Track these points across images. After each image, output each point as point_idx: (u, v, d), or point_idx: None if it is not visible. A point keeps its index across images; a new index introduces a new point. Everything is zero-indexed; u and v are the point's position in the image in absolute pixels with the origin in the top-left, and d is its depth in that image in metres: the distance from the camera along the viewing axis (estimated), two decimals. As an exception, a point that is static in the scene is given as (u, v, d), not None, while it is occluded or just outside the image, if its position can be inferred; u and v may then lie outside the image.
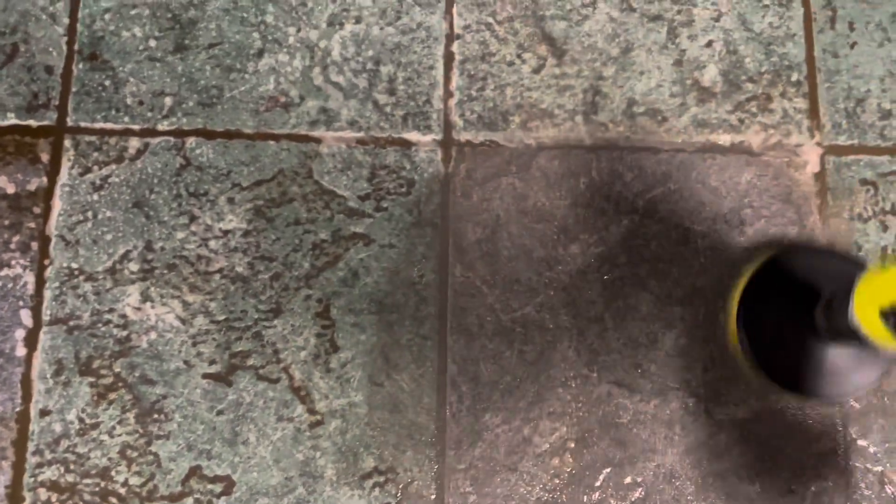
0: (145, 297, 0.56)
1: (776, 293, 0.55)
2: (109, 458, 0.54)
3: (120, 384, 0.55)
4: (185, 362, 0.55)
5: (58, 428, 0.54)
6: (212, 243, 0.57)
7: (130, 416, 0.54)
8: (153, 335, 0.56)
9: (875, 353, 0.53)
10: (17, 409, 0.54)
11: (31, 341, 0.55)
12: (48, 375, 0.55)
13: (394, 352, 0.56)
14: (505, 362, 0.56)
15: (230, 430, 0.55)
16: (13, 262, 0.56)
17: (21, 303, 0.56)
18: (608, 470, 0.55)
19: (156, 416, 0.55)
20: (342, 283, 0.57)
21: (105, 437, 0.54)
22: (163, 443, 0.54)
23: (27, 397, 0.54)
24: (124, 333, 0.55)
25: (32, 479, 0.53)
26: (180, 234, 0.57)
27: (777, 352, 0.54)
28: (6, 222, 0.56)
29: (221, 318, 0.56)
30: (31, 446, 0.54)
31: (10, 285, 0.56)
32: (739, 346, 0.55)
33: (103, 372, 0.55)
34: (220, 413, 0.55)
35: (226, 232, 0.57)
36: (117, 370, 0.55)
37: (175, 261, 0.57)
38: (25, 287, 0.56)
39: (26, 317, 0.55)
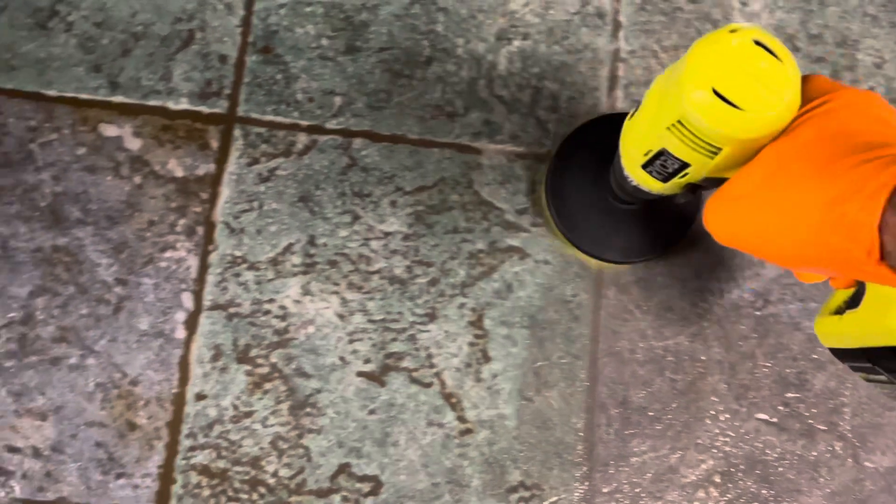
0: (305, 291, 0.57)
1: (580, 160, 0.56)
2: (261, 448, 0.54)
3: (276, 375, 0.55)
4: (341, 358, 0.56)
5: (212, 413, 0.55)
6: (373, 243, 0.58)
7: (284, 408, 0.55)
8: (311, 329, 0.56)
9: (660, 206, 0.55)
10: (174, 391, 0.55)
11: (191, 324, 0.56)
12: (206, 360, 0.55)
13: (544, 368, 0.56)
14: (655, 389, 0.57)
15: (381, 430, 0.55)
16: (178, 245, 0.57)
17: (183, 285, 0.56)
18: (754, 506, 0.55)
19: (309, 409, 0.55)
20: (496, 294, 0.57)
21: (258, 427, 0.55)
22: (314, 437, 0.55)
23: (184, 380, 0.55)
24: (283, 325, 0.56)
25: (184, 462, 0.54)
26: (343, 232, 0.58)
27: (579, 217, 0.56)
28: (173, 205, 0.57)
29: (378, 317, 0.56)
30: (184, 429, 0.54)
31: (173, 267, 0.56)
32: (549, 214, 0.57)
33: (260, 361, 0.55)
34: (371, 412, 0.55)
35: (386, 234, 0.58)
36: (274, 360, 0.56)
37: (336, 258, 0.57)
38: (188, 270, 0.56)
39: (188, 300, 0.56)
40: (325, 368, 0.56)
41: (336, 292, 0.57)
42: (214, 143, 0.58)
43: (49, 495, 0.53)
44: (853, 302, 0.42)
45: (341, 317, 0.56)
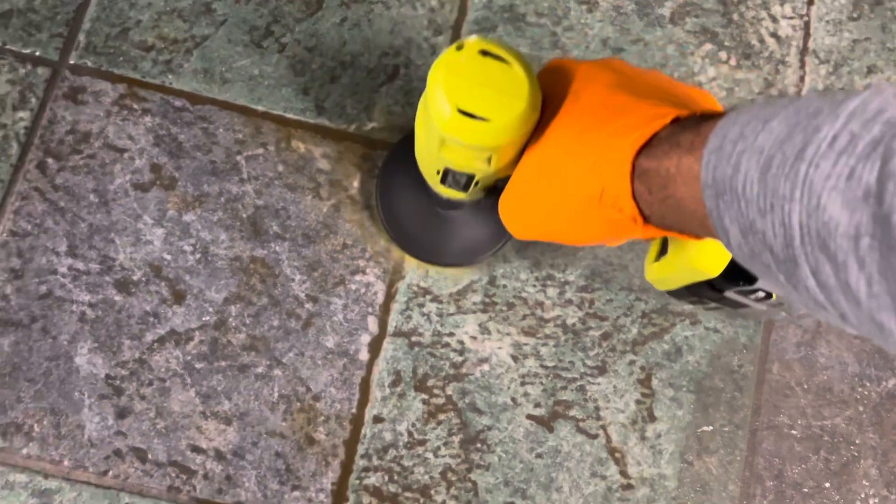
0: (483, 329, 0.59)
1: (406, 170, 0.55)
2: (431, 477, 0.56)
3: (450, 407, 0.57)
4: (513, 399, 0.58)
5: (388, 437, 0.56)
6: (550, 291, 0.60)
7: (456, 441, 0.57)
8: (486, 367, 0.58)
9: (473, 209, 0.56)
10: (353, 411, 0.57)
11: (374, 348, 0.58)
12: (386, 384, 0.57)
13: (707, 434, 0.58)
14: (810, 467, 0.58)
15: (546, 474, 0.57)
16: (368, 271, 0.59)
17: (370, 309, 0.58)
18: None
19: (479, 445, 0.57)
20: (666, 356, 0.59)
21: (430, 456, 0.56)
22: (482, 473, 0.56)
23: (364, 401, 0.57)
24: (460, 359, 0.58)
25: (357, 482, 0.56)
26: (523, 276, 0.60)
27: (408, 223, 0.56)
28: (367, 231, 0.60)
29: (550, 364, 0.58)
30: (360, 449, 0.56)
31: (362, 291, 0.59)
32: (380, 220, 0.57)
33: (436, 392, 0.57)
34: (539, 456, 0.57)
35: (564, 283, 0.60)
36: (449, 393, 0.57)
37: (514, 300, 0.59)
38: (376, 295, 0.59)
39: (373, 323, 0.58)
40: (496, 407, 0.57)
41: (510, 334, 0.59)
42: (409, 176, 0.61)
43: (227, 498, 0.55)
44: (663, 250, 0.45)
45: (515, 358, 0.58)
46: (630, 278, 0.60)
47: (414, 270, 0.59)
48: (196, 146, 0.60)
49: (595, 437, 0.58)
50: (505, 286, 0.60)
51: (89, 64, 0.61)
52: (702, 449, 0.58)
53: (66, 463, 0.54)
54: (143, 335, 0.57)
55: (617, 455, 0.57)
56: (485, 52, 0.37)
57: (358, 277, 0.59)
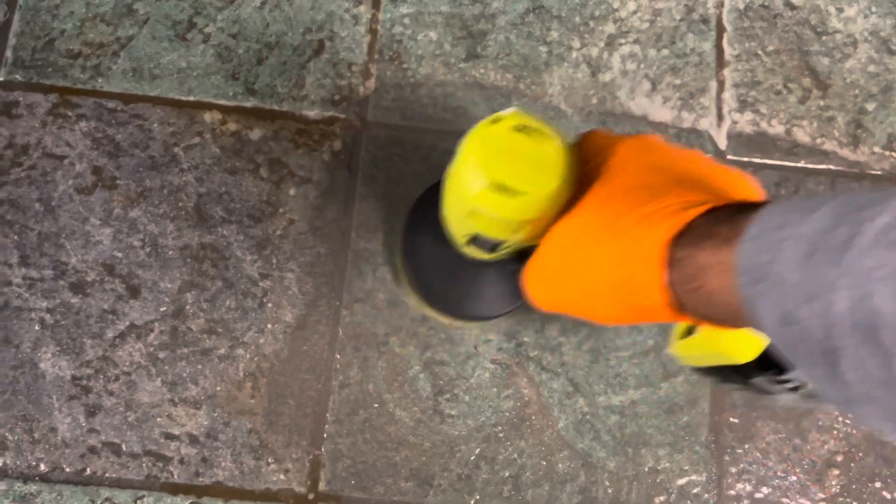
0: (438, 284, 0.59)
1: (435, 219, 0.49)
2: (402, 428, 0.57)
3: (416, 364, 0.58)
4: (475, 347, 0.58)
5: (357, 398, 0.57)
6: (499, 238, 0.60)
7: (426, 392, 0.57)
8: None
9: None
10: (318, 386, 0.57)
11: (333, 317, 0.59)
12: (348, 348, 0.58)
13: (670, 358, 0.59)
14: (775, 374, 0.59)
15: (517, 416, 0.57)
16: (318, 247, 0.60)
17: (324, 279, 0.59)
18: (877, 484, 0.57)
19: (447, 396, 0.58)
20: (619, 285, 0.60)
21: (397, 411, 0.57)
22: (452, 422, 0.57)
23: (330, 365, 0.58)
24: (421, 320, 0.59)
25: (332, 447, 0.56)
26: (471, 228, 0.61)
27: (435, 277, 0.52)
28: (312, 203, 0.60)
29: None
30: (329, 417, 0.57)
31: (314, 261, 0.59)
32: (405, 272, 0.53)
33: (398, 349, 0.58)
34: (506, 398, 0.58)
35: (512, 229, 0.61)
36: (412, 349, 0.58)
37: (465, 252, 0.60)
38: (329, 266, 0.59)
39: (328, 291, 0.59)
40: (459, 357, 0.58)
41: (467, 285, 0.59)
42: (348, 146, 0.62)
43: (205, 480, 0.55)
44: (691, 328, 0.43)
45: (473, 308, 0.59)
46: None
47: (365, 238, 0.60)
48: (133, 144, 0.61)
49: (558, 375, 0.58)
50: (454, 239, 0.60)
51: (19, 78, 0.61)
52: (666, 372, 0.59)
53: (42, 466, 0.55)
54: (104, 333, 0.57)
55: (584, 390, 0.58)
56: (521, 127, 0.36)
57: (308, 249, 0.60)
